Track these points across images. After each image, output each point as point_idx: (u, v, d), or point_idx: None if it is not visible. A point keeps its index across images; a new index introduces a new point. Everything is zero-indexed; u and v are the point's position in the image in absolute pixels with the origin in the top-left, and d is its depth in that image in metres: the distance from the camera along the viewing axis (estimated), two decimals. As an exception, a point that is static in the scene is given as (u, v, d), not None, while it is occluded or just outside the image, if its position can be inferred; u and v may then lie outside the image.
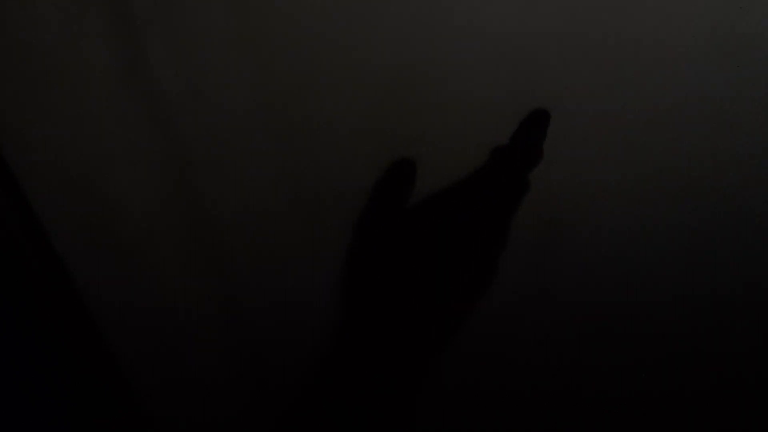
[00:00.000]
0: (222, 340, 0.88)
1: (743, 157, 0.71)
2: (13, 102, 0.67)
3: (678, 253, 0.79)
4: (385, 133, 0.71)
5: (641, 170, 0.72)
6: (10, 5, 0.61)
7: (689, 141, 0.71)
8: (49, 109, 0.68)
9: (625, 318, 0.85)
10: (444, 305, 0.42)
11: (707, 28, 0.63)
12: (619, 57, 0.65)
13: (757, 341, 0.85)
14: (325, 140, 0.71)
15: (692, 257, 0.79)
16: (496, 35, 0.64)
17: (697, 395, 0.91)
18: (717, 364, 0.88)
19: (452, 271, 0.43)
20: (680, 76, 0.66)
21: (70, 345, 0.82)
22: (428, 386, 0.43)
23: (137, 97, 0.68)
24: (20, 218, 0.73)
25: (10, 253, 0.75)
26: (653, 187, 0.74)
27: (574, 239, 0.77)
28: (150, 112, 0.69)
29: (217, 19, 0.64)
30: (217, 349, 0.89)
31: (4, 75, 0.65)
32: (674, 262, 0.80)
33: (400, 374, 0.40)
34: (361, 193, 0.76)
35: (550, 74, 0.66)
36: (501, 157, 0.51)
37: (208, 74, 0.67)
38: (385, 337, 0.41)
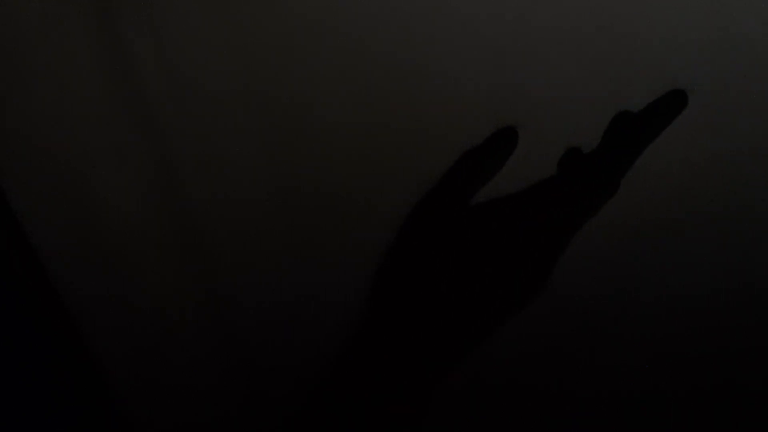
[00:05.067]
0: (210, 344, 0.87)
1: (742, 156, 0.72)
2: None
3: (677, 252, 0.80)
4: (377, 133, 0.71)
5: (640, 170, 0.73)
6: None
7: (688, 140, 0.71)
8: (31, 110, 0.67)
9: (623, 317, 0.86)
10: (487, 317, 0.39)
11: (706, 27, 0.64)
12: (619, 56, 0.65)
13: (757, 341, 0.86)
14: (315, 142, 0.71)
15: (691, 257, 0.80)
16: (495, 34, 0.64)
17: (696, 395, 0.91)
18: (716, 365, 0.89)
19: (505, 280, 0.39)
20: (678, 75, 0.66)
21: (53, 349, 0.81)
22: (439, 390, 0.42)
23: (122, 97, 0.67)
24: (1, 221, 0.72)
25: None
26: (652, 186, 0.74)
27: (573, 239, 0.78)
28: (136, 113, 0.68)
29: (206, 18, 0.63)
30: (204, 353, 0.88)
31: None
32: (673, 261, 0.80)
33: (418, 382, 0.39)
34: (352, 194, 0.75)
35: (548, 73, 0.66)
36: (594, 155, 0.43)
37: (196, 75, 0.66)
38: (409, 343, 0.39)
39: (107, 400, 0.86)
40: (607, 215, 0.76)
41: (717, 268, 0.81)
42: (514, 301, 0.39)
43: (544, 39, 0.64)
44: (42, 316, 0.78)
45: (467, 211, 0.41)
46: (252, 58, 0.65)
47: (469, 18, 0.63)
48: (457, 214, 0.41)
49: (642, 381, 0.91)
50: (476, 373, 0.88)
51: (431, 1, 0.62)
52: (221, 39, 0.64)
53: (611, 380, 0.91)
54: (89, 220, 0.74)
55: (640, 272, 0.82)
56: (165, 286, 0.82)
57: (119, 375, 0.86)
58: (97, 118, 0.68)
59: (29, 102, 0.66)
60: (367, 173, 0.73)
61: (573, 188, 0.41)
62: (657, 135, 0.43)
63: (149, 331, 0.85)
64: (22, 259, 0.74)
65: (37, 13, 0.61)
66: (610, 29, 0.64)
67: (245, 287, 0.83)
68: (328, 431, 0.39)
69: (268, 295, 0.84)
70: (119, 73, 0.65)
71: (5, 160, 0.69)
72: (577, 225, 0.41)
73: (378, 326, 0.39)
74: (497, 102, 0.67)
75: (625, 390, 0.91)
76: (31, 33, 0.62)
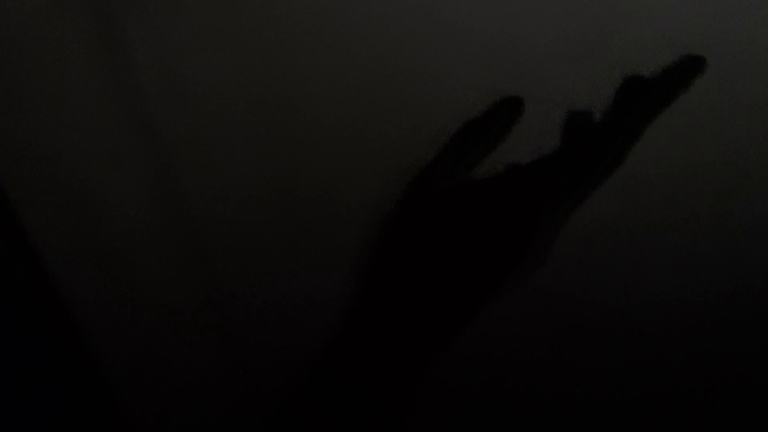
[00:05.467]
0: (209, 343, 0.87)
1: (742, 156, 0.72)
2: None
3: (676, 252, 0.80)
4: (376, 135, 0.70)
5: (639, 170, 0.73)
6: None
7: (688, 140, 0.71)
8: (32, 112, 0.67)
9: (622, 317, 0.86)
10: (476, 299, 0.39)
11: (707, 28, 0.64)
12: (617, 56, 0.65)
13: (757, 342, 0.86)
14: (312, 142, 0.71)
15: (690, 257, 0.80)
16: (494, 34, 0.64)
17: (696, 396, 0.91)
18: (715, 365, 0.88)
19: (497, 262, 0.38)
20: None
21: (53, 349, 0.81)
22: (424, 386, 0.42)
23: (122, 98, 0.67)
24: (3, 222, 0.72)
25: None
26: (652, 186, 0.74)
27: (572, 238, 0.78)
28: (136, 115, 0.68)
29: (203, 19, 0.63)
30: (204, 352, 0.88)
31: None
32: (672, 261, 0.80)
33: (405, 372, 0.39)
34: (349, 195, 0.75)
35: (548, 74, 0.66)
36: (594, 123, 0.40)
37: (193, 76, 0.66)
38: (402, 332, 0.38)
39: (107, 400, 0.86)
40: (607, 215, 0.76)
41: (717, 268, 0.80)
42: (505, 279, 0.39)
43: (544, 40, 0.64)
44: (42, 316, 0.78)
45: (462, 190, 0.41)
46: (253, 61, 0.65)
47: (469, 19, 0.63)
48: (455, 192, 0.41)
49: (642, 381, 0.91)
50: (476, 374, 0.88)
51: (430, 3, 0.62)
52: (221, 40, 0.64)
53: (611, 381, 0.91)
54: (89, 221, 0.74)
55: (640, 272, 0.82)
56: (165, 287, 0.81)
57: (119, 375, 0.86)
58: (97, 120, 0.68)
59: (30, 103, 0.66)
60: (367, 175, 0.73)
61: (575, 164, 0.40)
62: (669, 104, 0.40)
63: (149, 331, 0.85)
64: (22, 259, 0.74)
65: (37, 13, 0.61)
66: (611, 30, 0.64)
67: (245, 288, 0.83)
68: (321, 426, 0.38)
69: (267, 296, 0.84)
70: (119, 73, 0.65)
71: (6, 161, 0.69)
72: (577, 201, 0.40)
73: (375, 318, 0.39)
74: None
75: (625, 390, 0.91)
76: (31, 33, 0.62)
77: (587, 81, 0.67)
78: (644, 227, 0.77)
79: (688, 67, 0.41)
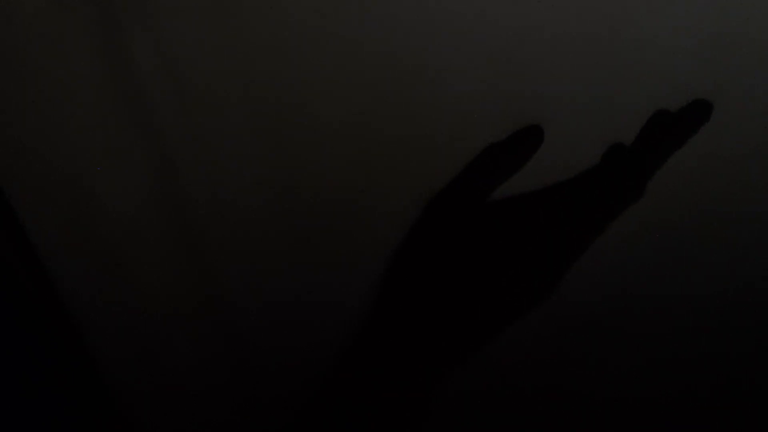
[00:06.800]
0: (209, 343, 0.87)
1: (741, 157, 0.72)
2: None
3: (676, 252, 0.80)
4: (377, 137, 0.71)
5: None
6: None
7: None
8: (32, 112, 0.67)
9: (621, 318, 0.86)
10: (498, 317, 0.39)
11: (705, 28, 0.64)
12: (616, 57, 0.65)
13: (758, 342, 0.86)
14: (312, 142, 0.71)
15: (690, 257, 0.80)
16: (493, 35, 0.64)
17: (696, 396, 0.91)
18: (717, 365, 0.89)
19: (520, 280, 0.38)
20: (679, 75, 0.66)
21: (53, 349, 0.81)
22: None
23: (123, 98, 0.67)
24: (1, 220, 0.72)
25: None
26: (652, 186, 0.74)
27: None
28: (136, 114, 0.68)
29: (203, 18, 0.63)
30: (204, 352, 0.88)
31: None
32: (672, 261, 0.80)
33: (422, 382, 0.38)
34: (351, 196, 0.75)
35: (548, 75, 0.66)
36: (620, 153, 0.42)
37: (196, 75, 0.66)
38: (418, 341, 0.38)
39: (106, 400, 0.86)
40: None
41: (717, 268, 0.81)
42: (526, 302, 0.39)
43: (548, 43, 0.64)
44: (42, 316, 0.78)
45: (485, 209, 0.41)
46: (252, 60, 0.65)
47: (474, 22, 0.63)
48: (475, 211, 0.41)
49: (643, 382, 0.91)
50: (475, 374, 0.88)
51: (434, 5, 0.62)
52: (221, 40, 0.64)
53: (611, 381, 0.91)
54: (89, 221, 0.74)
55: (640, 273, 0.82)
56: (165, 288, 0.81)
57: (118, 375, 0.86)
58: (97, 119, 0.68)
59: (30, 103, 0.66)
60: (367, 176, 0.73)
61: (597, 189, 0.41)
62: (684, 142, 0.43)
63: (149, 332, 0.85)
64: (22, 259, 0.74)
65: (38, 14, 0.61)
66: (613, 32, 0.64)
67: (245, 289, 0.83)
68: (332, 431, 0.38)
69: (268, 296, 0.84)
70: (119, 73, 0.65)
71: (6, 161, 0.69)
72: (598, 228, 0.41)
73: (389, 324, 0.39)
74: (497, 107, 0.67)
75: (625, 391, 0.91)
76: (32, 34, 0.62)
77: (590, 82, 0.67)
78: (643, 226, 0.77)
79: (702, 112, 0.44)
